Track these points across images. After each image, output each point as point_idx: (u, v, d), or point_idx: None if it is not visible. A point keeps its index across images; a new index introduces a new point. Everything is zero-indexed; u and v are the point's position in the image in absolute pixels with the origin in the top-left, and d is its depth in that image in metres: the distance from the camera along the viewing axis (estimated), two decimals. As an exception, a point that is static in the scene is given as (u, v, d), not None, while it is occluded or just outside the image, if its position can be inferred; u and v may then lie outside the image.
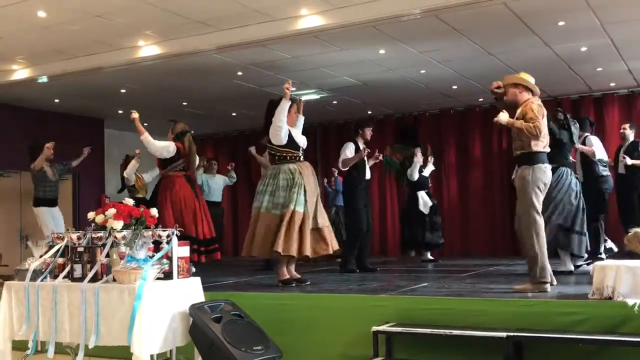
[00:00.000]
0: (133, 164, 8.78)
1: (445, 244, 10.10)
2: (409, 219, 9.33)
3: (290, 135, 6.15)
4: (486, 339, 4.21)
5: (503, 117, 5.16)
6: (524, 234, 5.09)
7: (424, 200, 9.13)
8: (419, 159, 9.13)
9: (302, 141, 6.28)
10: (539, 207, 5.08)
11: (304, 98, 10.10)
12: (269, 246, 5.92)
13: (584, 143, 7.48)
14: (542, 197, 5.12)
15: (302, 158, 6.24)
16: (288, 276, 6.11)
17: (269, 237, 5.93)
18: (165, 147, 7.08)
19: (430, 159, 9.64)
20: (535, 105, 5.11)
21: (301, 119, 6.54)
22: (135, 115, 6.86)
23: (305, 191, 5.99)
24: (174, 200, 6.93)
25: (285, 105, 6.08)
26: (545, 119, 5.15)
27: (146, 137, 6.99)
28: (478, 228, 11.50)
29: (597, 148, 7.44)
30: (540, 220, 5.07)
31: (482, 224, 11.41)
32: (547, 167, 5.14)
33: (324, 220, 6.13)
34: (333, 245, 6.13)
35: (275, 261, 6.58)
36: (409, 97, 10.87)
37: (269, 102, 6.32)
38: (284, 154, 6.15)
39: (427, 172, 9.44)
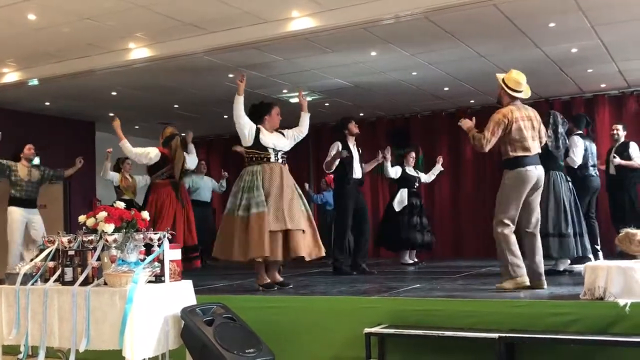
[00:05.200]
0: (105, 165, 8.79)
1: (437, 245, 10.09)
2: (385, 216, 9.30)
3: (257, 136, 5.98)
4: (478, 340, 4.21)
5: (466, 123, 5.44)
6: (494, 233, 5.28)
7: (401, 198, 8.95)
8: (388, 156, 8.48)
9: (271, 142, 6.04)
10: (512, 211, 5.23)
11: (294, 100, 10.12)
12: (228, 249, 5.86)
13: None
14: (520, 200, 5.25)
15: (273, 159, 6.00)
16: (268, 280, 5.99)
17: (227, 240, 5.87)
18: (143, 155, 7.05)
19: (439, 160, 9.41)
20: (498, 116, 5.25)
21: (306, 117, 6.38)
22: (116, 122, 6.85)
23: (259, 192, 5.80)
24: (155, 208, 6.91)
25: (237, 100, 5.97)
26: (522, 122, 5.22)
27: (124, 143, 6.98)
28: (470, 229, 11.51)
29: (577, 152, 7.37)
30: (509, 223, 5.23)
31: (474, 225, 11.40)
32: (528, 170, 5.24)
33: (295, 224, 5.86)
34: (312, 251, 5.95)
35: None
36: (401, 99, 10.89)
37: (250, 107, 6.22)
38: (251, 155, 6.02)
39: (428, 177, 9.37)
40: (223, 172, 10.37)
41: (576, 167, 7.34)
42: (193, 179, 9.77)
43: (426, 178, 9.46)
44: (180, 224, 7.04)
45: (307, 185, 10.68)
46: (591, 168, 7.76)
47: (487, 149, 5.28)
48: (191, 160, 7.66)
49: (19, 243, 7.98)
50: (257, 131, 6.03)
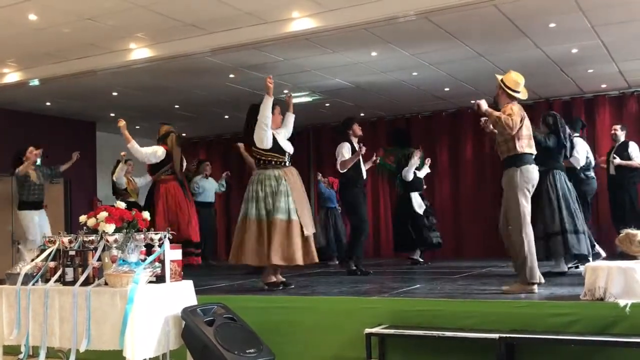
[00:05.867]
0: (121, 167, 8.82)
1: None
2: (400, 220, 9.31)
3: (275, 140, 5.97)
4: (479, 341, 4.22)
5: (484, 104, 5.28)
6: (513, 235, 5.14)
7: (418, 202, 9.09)
8: (416, 160, 9.04)
9: (287, 146, 6.09)
10: (528, 208, 5.14)
11: (295, 100, 10.11)
12: (259, 254, 5.81)
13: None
14: (529, 197, 5.19)
15: (287, 163, 6.05)
16: (274, 279, 6.02)
17: (259, 244, 5.81)
18: (152, 153, 7.09)
19: (427, 161, 9.52)
20: (515, 107, 5.23)
21: (291, 117, 6.34)
22: (121, 123, 6.88)
23: (290, 198, 5.84)
24: (169, 206, 6.94)
25: (268, 101, 5.88)
26: (526, 121, 5.24)
27: (132, 145, 6.99)
28: (470, 229, 11.51)
29: (580, 151, 7.37)
30: (529, 221, 5.13)
31: (475, 225, 11.41)
32: (534, 168, 5.25)
33: (309, 230, 5.94)
34: (313, 257, 5.96)
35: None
36: (401, 99, 10.89)
37: (250, 106, 6.16)
38: (269, 159, 5.97)
39: (421, 174, 9.41)
40: (225, 173, 10.36)
41: (579, 167, 7.35)
42: (198, 182, 9.86)
43: (420, 174, 9.48)
44: (194, 219, 7.12)
45: (319, 176, 10.68)
46: (591, 170, 7.77)
47: (515, 131, 5.15)
48: None
49: (36, 241, 8.18)
50: (273, 135, 6.01)
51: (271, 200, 5.83)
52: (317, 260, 6.00)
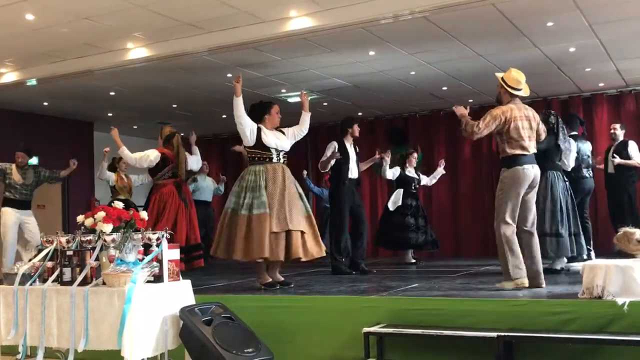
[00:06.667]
0: (102, 164, 8.82)
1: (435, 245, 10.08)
2: (382, 215, 9.31)
3: (259, 136, 5.98)
4: (477, 339, 4.22)
5: (460, 109, 5.52)
6: (496, 234, 5.28)
7: (396, 198, 8.98)
8: (387, 160, 8.72)
9: (274, 142, 6.04)
10: (513, 209, 5.23)
11: (292, 100, 10.13)
12: (227, 249, 5.88)
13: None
14: (519, 199, 5.26)
15: (275, 159, 6.01)
16: (270, 279, 6.00)
17: (229, 239, 5.86)
18: (144, 158, 7.07)
19: (441, 163, 9.34)
20: (496, 111, 5.29)
21: (306, 116, 6.35)
22: (113, 130, 6.98)
23: (266, 194, 5.81)
24: (158, 208, 6.93)
25: (237, 101, 5.96)
26: (517, 122, 5.25)
27: (123, 150, 7.02)
28: (468, 228, 11.52)
29: (571, 154, 7.27)
30: (512, 223, 5.23)
31: (473, 224, 11.43)
32: (525, 169, 5.26)
33: (295, 225, 5.85)
34: (312, 251, 5.93)
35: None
36: (399, 98, 10.89)
37: (250, 107, 6.20)
38: (253, 155, 6.02)
39: (429, 179, 9.32)
40: (222, 176, 10.39)
41: (569, 170, 7.33)
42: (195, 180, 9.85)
43: (427, 181, 9.40)
44: (183, 223, 7.04)
45: (305, 173, 10.66)
46: (584, 170, 7.75)
47: (475, 137, 5.37)
48: (194, 161, 7.64)
49: (12, 243, 8.12)
50: (259, 131, 6.02)
51: (243, 195, 5.88)
52: (304, 257, 5.92)
